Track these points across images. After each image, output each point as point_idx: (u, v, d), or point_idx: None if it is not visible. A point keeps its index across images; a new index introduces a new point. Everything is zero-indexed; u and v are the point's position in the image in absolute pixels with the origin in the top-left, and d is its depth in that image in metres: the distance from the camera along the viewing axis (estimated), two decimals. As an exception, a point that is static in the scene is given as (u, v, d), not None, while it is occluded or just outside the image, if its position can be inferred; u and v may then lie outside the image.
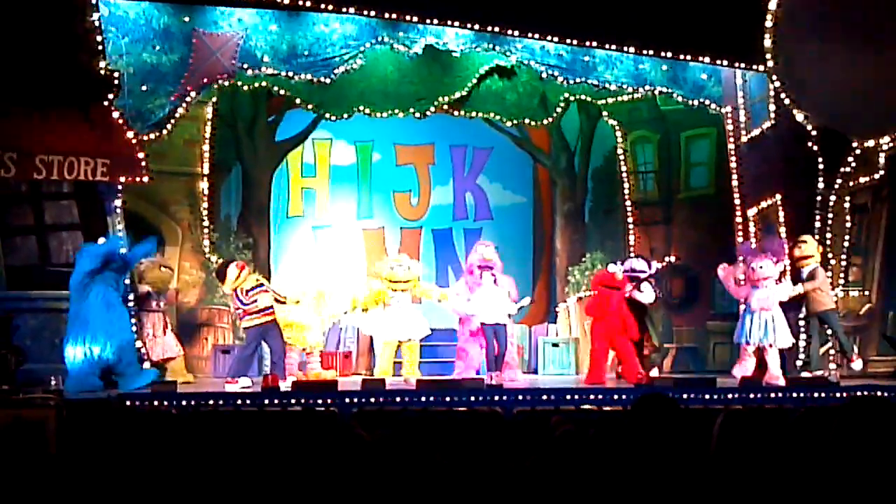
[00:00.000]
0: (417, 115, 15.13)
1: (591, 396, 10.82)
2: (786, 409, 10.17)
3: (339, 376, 13.10)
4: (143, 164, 11.74)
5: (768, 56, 13.28)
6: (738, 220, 14.68)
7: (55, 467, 4.91)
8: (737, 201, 14.74)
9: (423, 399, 10.30)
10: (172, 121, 12.66)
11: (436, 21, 13.06)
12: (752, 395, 10.95)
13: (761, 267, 12.35)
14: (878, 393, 10.82)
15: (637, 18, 13.17)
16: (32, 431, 5.01)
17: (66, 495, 4.86)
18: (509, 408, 10.01)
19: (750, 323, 12.39)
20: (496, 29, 13.22)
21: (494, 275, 12.84)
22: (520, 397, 10.65)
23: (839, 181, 13.23)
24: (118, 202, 11.97)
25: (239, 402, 10.01)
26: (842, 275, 13.36)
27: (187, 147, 13.93)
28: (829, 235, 13.25)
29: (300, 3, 12.40)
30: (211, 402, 9.91)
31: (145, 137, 12.08)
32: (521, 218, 17.47)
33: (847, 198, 13.30)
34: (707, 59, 13.89)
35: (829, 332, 12.76)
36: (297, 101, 14.50)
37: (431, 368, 13.72)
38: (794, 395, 11.07)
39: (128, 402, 9.65)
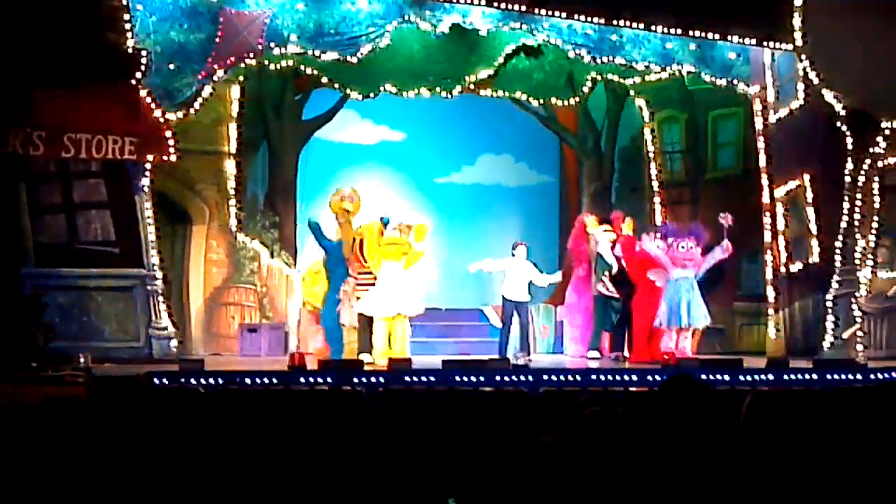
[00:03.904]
0: (444, 94, 15.09)
1: (618, 377, 10.79)
2: (814, 391, 10.12)
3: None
4: (171, 142, 11.80)
5: (797, 35, 13.18)
6: (766, 200, 14.61)
7: (84, 445, 4.95)
8: (765, 181, 14.65)
9: (450, 379, 10.30)
10: (200, 99, 12.74)
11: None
12: (779, 377, 10.91)
13: (691, 247, 12.48)
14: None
15: (665, -3, 13.11)
16: (61, 409, 5.04)
17: (94, 472, 4.91)
18: (535, 388, 9.99)
19: (676, 305, 12.51)
20: (523, 7, 13.14)
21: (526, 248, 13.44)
22: (545, 377, 10.63)
23: (868, 161, 13.15)
24: (146, 181, 12.04)
25: (266, 380, 10.02)
26: (870, 256, 13.27)
27: (214, 126, 13.93)
28: (857, 216, 13.17)
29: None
30: (238, 380, 9.93)
31: (173, 116, 12.15)
32: (548, 197, 17.45)
33: (876, 178, 13.20)
34: (735, 38, 13.76)
35: None
36: (324, 79, 14.49)
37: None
38: (822, 376, 11.01)
39: (155, 380, 9.68)
